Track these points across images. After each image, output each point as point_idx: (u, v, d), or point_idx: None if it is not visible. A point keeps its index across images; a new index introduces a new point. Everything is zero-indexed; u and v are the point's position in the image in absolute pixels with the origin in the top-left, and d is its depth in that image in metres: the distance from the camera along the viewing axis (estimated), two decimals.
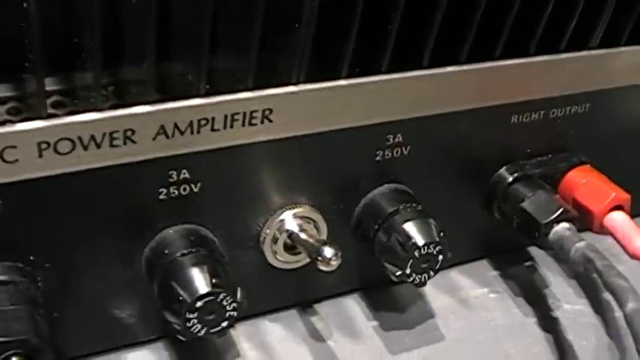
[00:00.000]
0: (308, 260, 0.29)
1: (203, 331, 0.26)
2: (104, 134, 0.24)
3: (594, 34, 0.32)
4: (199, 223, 0.28)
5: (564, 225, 0.31)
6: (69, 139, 0.24)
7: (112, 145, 0.24)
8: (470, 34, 0.28)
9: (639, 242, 0.31)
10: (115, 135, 0.24)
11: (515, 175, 0.33)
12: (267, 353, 0.31)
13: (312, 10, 0.25)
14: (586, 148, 0.35)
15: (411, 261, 0.29)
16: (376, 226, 0.30)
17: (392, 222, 0.30)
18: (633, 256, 0.31)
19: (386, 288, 0.34)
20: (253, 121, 0.26)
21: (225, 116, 0.26)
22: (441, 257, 0.29)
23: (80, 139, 0.24)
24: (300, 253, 0.30)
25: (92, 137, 0.24)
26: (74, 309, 0.27)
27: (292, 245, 0.29)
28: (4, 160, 0.23)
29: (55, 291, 0.26)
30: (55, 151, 0.24)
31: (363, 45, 0.27)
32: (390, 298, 0.34)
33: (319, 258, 0.27)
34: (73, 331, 0.27)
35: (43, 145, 0.23)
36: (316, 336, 0.32)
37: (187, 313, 0.25)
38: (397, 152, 0.30)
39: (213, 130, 0.26)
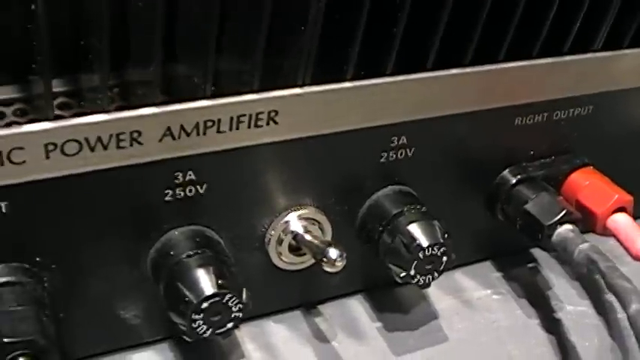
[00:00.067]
0: (312, 261, 0.29)
1: (208, 332, 0.26)
2: (111, 136, 0.24)
3: (598, 36, 0.32)
4: (205, 225, 0.28)
5: (567, 227, 0.31)
6: (76, 141, 0.24)
7: (118, 147, 0.24)
8: (475, 35, 0.29)
9: None
10: (121, 136, 0.24)
11: (519, 177, 0.33)
12: (271, 354, 0.31)
13: (319, 12, 0.25)
14: (589, 150, 0.35)
15: (416, 262, 0.29)
16: (380, 228, 0.30)
17: (396, 223, 0.30)
18: (636, 258, 0.31)
19: (390, 289, 0.34)
20: (259, 123, 0.26)
21: (231, 118, 0.26)
22: (445, 259, 0.30)
23: (87, 140, 0.24)
24: (304, 254, 0.30)
25: (99, 139, 0.24)
26: (80, 310, 0.27)
27: (297, 246, 0.29)
28: (11, 162, 0.23)
29: (61, 292, 0.26)
30: (62, 152, 0.24)
31: (368, 47, 0.27)
32: (394, 299, 0.34)
33: (324, 259, 0.27)
34: (78, 332, 0.28)
35: (50, 147, 0.23)
36: (320, 337, 0.32)
37: (193, 314, 0.25)
38: (401, 154, 0.30)
39: (219, 131, 0.26)
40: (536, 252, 0.38)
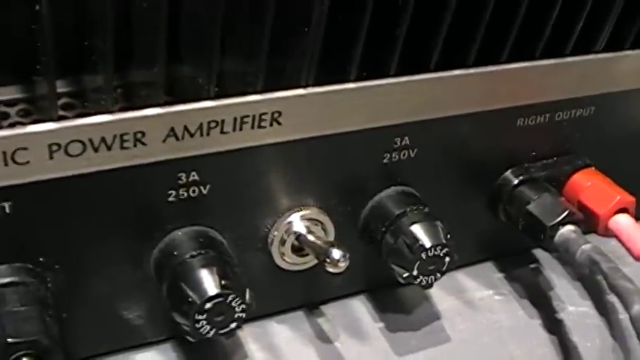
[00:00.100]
0: (315, 262, 0.29)
1: (212, 333, 0.26)
2: (114, 136, 0.24)
3: (600, 37, 0.32)
4: (208, 225, 0.28)
5: (570, 227, 0.31)
6: (80, 141, 0.24)
7: (122, 147, 0.24)
8: (478, 36, 0.29)
9: None
10: (125, 137, 0.24)
11: (521, 177, 0.33)
12: (274, 354, 0.31)
13: (322, 13, 0.25)
14: (591, 150, 0.35)
15: (418, 263, 0.29)
16: (383, 228, 0.30)
17: (399, 224, 0.30)
18: (638, 259, 0.31)
19: (392, 290, 0.34)
20: (262, 124, 0.26)
21: (235, 119, 0.26)
22: (447, 259, 0.30)
23: (91, 141, 0.24)
24: (307, 254, 0.30)
25: (103, 139, 0.24)
26: (83, 310, 0.27)
27: (300, 247, 0.29)
28: (15, 162, 0.23)
29: (64, 292, 0.26)
30: (66, 152, 0.24)
31: (371, 48, 0.27)
32: (397, 300, 0.34)
33: (327, 260, 0.27)
34: (81, 332, 0.28)
35: (54, 147, 0.23)
36: (323, 337, 0.32)
37: (196, 315, 0.25)
38: (404, 155, 0.30)
39: (222, 132, 0.26)
40: (538, 253, 0.38)
